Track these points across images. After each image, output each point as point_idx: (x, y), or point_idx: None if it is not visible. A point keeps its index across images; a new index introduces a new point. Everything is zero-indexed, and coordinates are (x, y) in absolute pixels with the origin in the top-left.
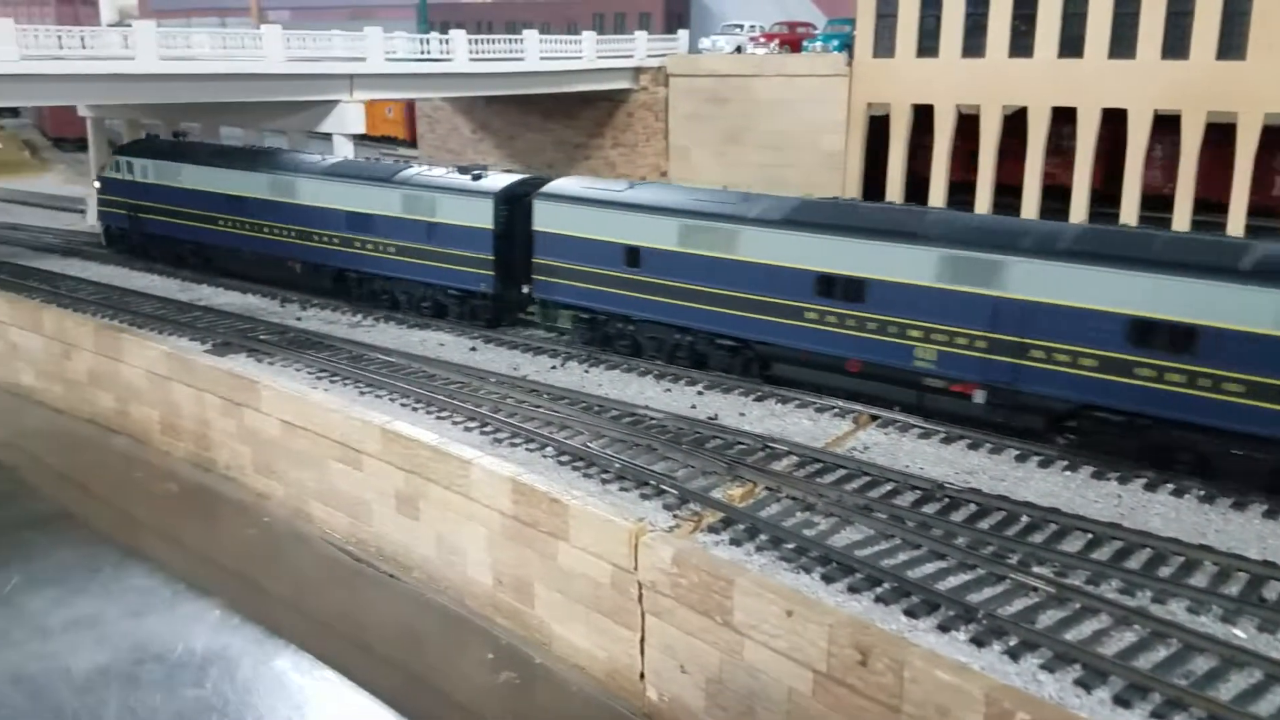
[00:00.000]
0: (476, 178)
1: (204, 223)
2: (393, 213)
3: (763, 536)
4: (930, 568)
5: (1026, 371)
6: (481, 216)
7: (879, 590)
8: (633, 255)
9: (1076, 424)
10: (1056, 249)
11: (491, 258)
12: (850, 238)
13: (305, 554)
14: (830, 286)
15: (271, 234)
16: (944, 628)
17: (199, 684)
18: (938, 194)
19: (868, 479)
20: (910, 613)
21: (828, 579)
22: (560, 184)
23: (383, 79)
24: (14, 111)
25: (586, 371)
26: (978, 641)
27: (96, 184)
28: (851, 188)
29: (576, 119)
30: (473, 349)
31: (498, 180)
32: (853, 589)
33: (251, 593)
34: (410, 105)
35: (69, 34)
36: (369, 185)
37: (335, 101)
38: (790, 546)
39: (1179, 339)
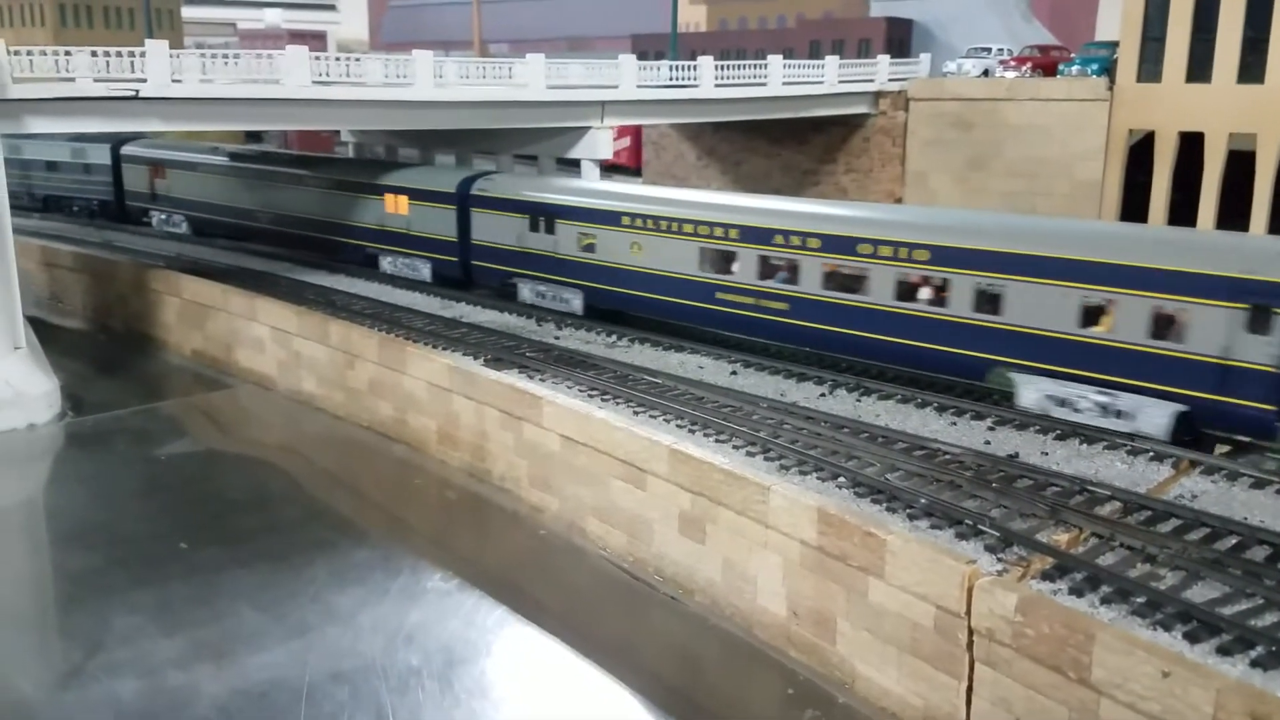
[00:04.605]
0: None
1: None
2: None
3: (1106, 588)
4: None
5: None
6: None
7: (1253, 654)
8: None
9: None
10: None
11: None
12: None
13: (582, 569)
14: None
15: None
16: None
17: (509, 693)
18: (1206, 225)
19: (1208, 530)
20: None
21: (1192, 638)
22: None
23: (632, 105)
24: (257, 136)
25: (859, 400)
26: None
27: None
28: (1109, 219)
29: (807, 144)
30: (733, 373)
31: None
32: (1223, 651)
33: (533, 605)
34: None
35: (339, 61)
36: None
37: (586, 128)
38: (1141, 600)
39: None
